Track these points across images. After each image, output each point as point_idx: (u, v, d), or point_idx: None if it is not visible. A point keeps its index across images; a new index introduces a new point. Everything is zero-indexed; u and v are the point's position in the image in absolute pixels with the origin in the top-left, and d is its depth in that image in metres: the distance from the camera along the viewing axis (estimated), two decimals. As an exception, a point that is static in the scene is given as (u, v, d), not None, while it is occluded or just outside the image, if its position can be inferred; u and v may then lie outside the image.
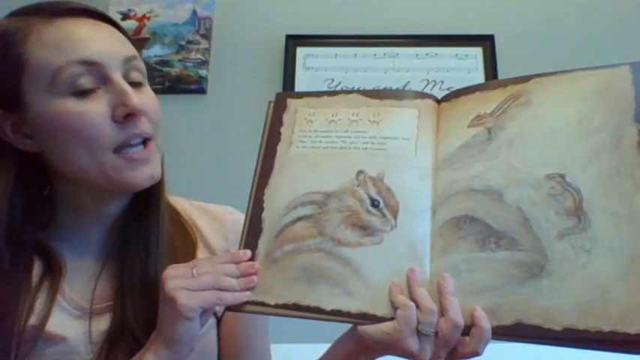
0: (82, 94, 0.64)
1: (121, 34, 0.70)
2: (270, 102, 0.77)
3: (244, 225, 0.70)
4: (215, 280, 0.62)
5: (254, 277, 0.64)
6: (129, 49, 0.69)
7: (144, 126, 0.67)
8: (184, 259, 0.73)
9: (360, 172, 0.68)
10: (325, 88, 1.73)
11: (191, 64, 1.73)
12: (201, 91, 1.73)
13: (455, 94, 0.72)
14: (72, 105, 0.63)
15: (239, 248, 0.68)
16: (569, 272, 0.57)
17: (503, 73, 1.70)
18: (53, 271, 0.69)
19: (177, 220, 0.79)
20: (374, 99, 0.73)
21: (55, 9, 0.66)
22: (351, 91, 0.75)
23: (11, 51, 0.64)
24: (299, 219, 0.67)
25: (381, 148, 0.69)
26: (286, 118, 0.75)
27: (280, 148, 0.73)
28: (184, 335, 0.61)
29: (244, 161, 1.66)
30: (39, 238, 0.71)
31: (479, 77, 1.72)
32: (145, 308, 0.69)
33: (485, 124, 0.67)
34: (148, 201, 0.74)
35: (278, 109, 0.76)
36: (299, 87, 1.73)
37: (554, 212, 0.60)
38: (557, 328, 0.56)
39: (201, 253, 0.78)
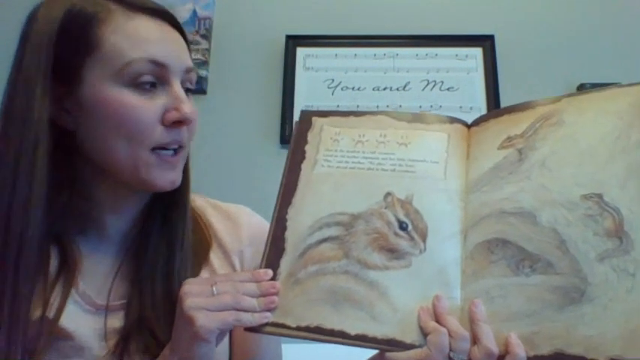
0: (142, 89, 0.66)
1: (185, 45, 0.73)
2: (296, 121, 0.77)
3: (266, 244, 0.68)
4: (235, 300, 0.60)
5: (275, 298, 0.63)
6: (190, 60, 0.72)
7: (184, 135, 0.69)
8: (198, 258, 0.73)
9: (387, 194, 0.67)
10: (325, 89, 1.73)
11: (191, 64, 1.73)
12: (201, 91, 1.74)
13: (484, 118, 0.71)
14: (129, 97, 0.65)
15: (260, 267, 0.66)
16: (613, 298, 0.53)
17: (503, 74, 1.70)
18: (69, 265, 0.69)
19: (193, 218, 0.79)
20: (402, 121, 0.73)
21: (136, 3, 0.68)
22: (379, 112, 0.75)
23: (87, 30, 0.65)
24: (324, 240, 0.66)
25: (410, 170, 0.68)
26: (311, 136, 0.74)
27: (305, 166, 0.72)
28: (201, 356, 0.60)
29: (244, 161, 1.66)
30: (56, 228, 0.70)
31: (479, 77, 1.71)
32: (164, 305, 0.68)
33: (516, 145, 0.65)
34: (173, 203, 0.75)
35: (303, 126, 0.76)
36: (299, 87, 1.73)
37: (593, 233, 0.57)
38: (602, 358, 0.52)
39: (214, 253, 0.78)
